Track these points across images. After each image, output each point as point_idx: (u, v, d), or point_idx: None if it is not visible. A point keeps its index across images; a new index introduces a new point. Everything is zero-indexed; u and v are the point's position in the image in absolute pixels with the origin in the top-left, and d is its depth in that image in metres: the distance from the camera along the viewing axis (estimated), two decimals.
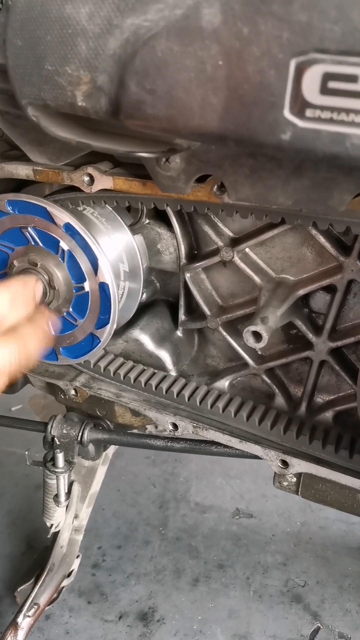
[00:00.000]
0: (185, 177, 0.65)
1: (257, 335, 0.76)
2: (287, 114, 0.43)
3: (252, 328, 0.75)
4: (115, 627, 1.17)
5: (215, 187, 0.68)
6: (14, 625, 1.06)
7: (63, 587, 1.20)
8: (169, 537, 1.38)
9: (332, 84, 0.41)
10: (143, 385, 0.92)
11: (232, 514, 1.43)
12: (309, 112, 0.42)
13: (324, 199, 0.60)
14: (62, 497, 0.98)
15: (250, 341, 0.76)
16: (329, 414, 0.89)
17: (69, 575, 1.19)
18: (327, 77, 0.41)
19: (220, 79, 0.44)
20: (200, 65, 0.45)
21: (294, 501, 1.43)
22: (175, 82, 0.46)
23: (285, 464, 0.84)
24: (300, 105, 0.43)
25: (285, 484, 0.87)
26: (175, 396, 0.90)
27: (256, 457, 0.87)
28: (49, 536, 1.12)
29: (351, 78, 0.40)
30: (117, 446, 1.18)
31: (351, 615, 1.18)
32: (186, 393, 0.89)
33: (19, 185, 0.90)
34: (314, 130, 0.43)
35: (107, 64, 0.49)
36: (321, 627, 1.15)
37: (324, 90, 0.41)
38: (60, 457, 0.93)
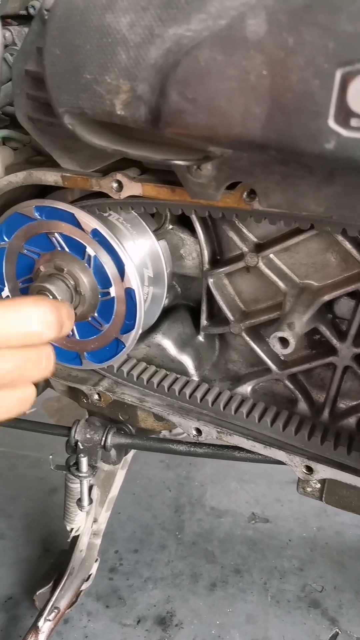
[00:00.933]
0: (216, 184, 0.65)
1: (284, 341, 0.76)
2: (331, 123, 0.43)
3: (279, 334, 0.75)
4: (133, 631, 1.17)
5: (245, 193, 0.68)
6: (34, 629, 1.06)
7: (81, 591, 1.20)
8: (185, 541, 1.38)
9: None
10: (166, 390, 0.92)
11: (248, 518, 1.43)
12: (354, 122, 0.43)
13: (356, 206, 0.60)
14: (86, 502, 0.98)
15: (277, 347, 0.76)
16: (352, 420, 0.89)
17: (87, 579, 1.19)
18: None
19: (264, 88, 0.44)
20: (243, 75, 0.45)
21: (309, 506, 1.43)
22: (218, 92, 0.46)
23: (309, 469, 0.84)
24: (345, 115, 0.43)
25: (309, 489, 0.87)
26: (198, 401, 0.90)
27: (280, 462, 0.87)
28: (69, 540, 1.12)
29: None
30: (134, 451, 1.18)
31: None
32: (210, 398, 0.90)
33: (41, 191, 0.90)
34: (358, 139, 0.43)
35: (147, 73, 0.49)
36: (339, 632, 1.15)
37: None
38: (84, 462, 0.94)
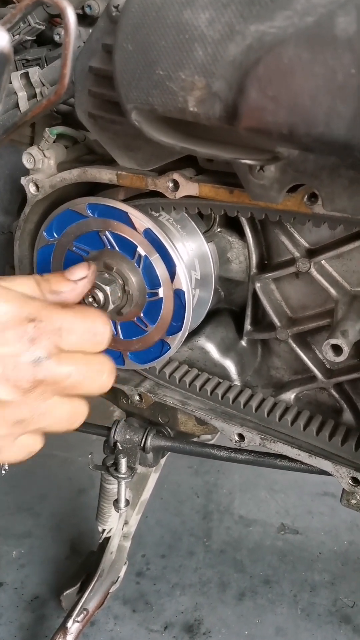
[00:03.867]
0: (279, 186, 0.64)
1: (337, 349, 0.74)
2: None
3: (333, 341, 0.74)
4: (160, 637, 1.16)
5: (306, 197, 0.67)
6: (63, 629, 1.05)
7: (109, 594, 1.19)
8: (213, 549, 1.36)
9: None
10: (209, 394, 0.91)
11: (277, 529, 1.41)
12: None
13: None
14: (122, 503, 0.97)
15: (329, 354, 0.75)
16: None
17: (116, 581, 1.18)
18: None
19: (352, 87, 0.43)
20: (330, 74, 0.44)
21: (340, 519, 1.40)
22: (302, 90, 0.45)
23: (356, 481, 0.82)
24: None
25: (354, 502, 0.85)
26: (242, 407, 0.88)
27: (325, 473, 0.85)
28: (100, 541, 1.12)
29: None
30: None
31: None
32: (253, 404, 0.88)
33: (90, 189, 0.90)
34: None
35: (225, 70, 0.49)
36: None
37: None
38: (123, 463, 0.93)
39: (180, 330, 0.83)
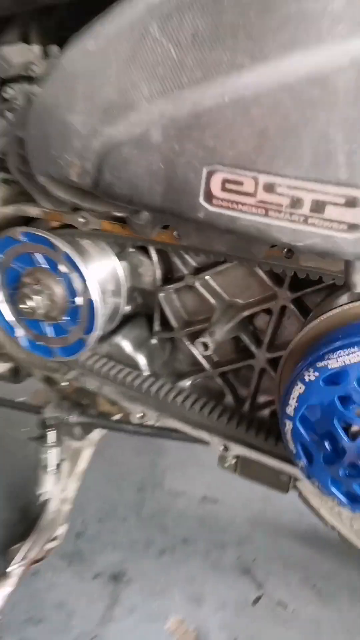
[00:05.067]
0: (152, 226, 0.88)
1: (205, 345, 0.99)
2: (201, 200, 0.66)
3: (201, 339, 0.99)
4: (90, 584, 1.39)
5: (175, 232, 0.91)
6: (4, 574, 1.28)
7: (50, 550, 1.43)
8: (144, 516, 1.60)
9: (228, 185, 0.64)
10: (119, 380, 1.15)
11: (200, 499, 1.65)
12: (214, 201, 0.66)
13: (247, 249, 0.83)
14: (49, 468, 1.20)
15: (199, 349, 0.99)
16: (266, 411, 1.11)
17: (55, 538, 1.41)
18: (225, 180, 0.64)
19: (161, 174, 0.68)
20: (149, 165, 0.68)
21: (254, 492, 1.64)
22: (134, 174, 0.69)
23: (226, 448, 1.06)
24: (209, 196, 0.66)
25: (226, 464, 1.09)
26: (143, 391, 1.13)
27: (205, 442, 1.09)
28: (38, 503, 1.35)
29: (239, 182, 0.63)
30: (104, 435, 1.41)
31: (291, 587, 1.39)
32: (153, 388, 1.12)
33: (29, 219, 1.13)
34: (218, 213, 0.66)
35: (92, 156, 0.73)
36: (264, 594, 1.37)
37: (223, 189, 0.65)
38: (51, 435, 1.16)
39: (94, 330, 1.07)
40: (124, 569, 1.43)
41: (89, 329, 1.07)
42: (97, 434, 1.40)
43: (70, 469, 1.37)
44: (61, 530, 1.42)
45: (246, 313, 1.05)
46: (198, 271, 1.08)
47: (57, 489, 1.34)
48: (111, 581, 1.40)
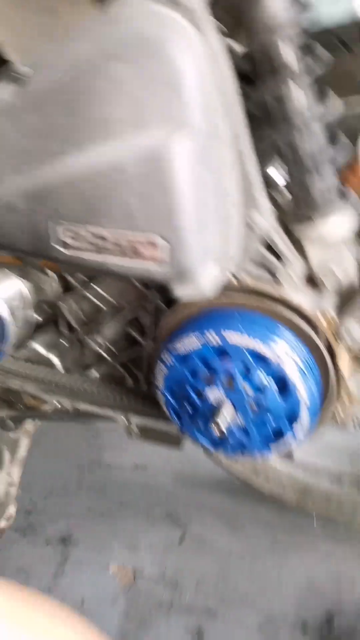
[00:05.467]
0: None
1: (98, 342, 1.25)
2: (54, 244, 0.92)
3: (95, 338, 1.24)
4: (43, 549, 1.65)
5: None
6: None
7: (4, 529, 1.68)
8: (85, 488, 1.87)
9: (69, 234, 0.89)
10: (36, 378, 1.40)
11: (132, 467, 1.93)
12: (65, 250, 0.91)
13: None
14: None
15: (95, 346, 1.25)
16: None
17: (8, 519, 1.66)
18: (67, 230, 0.89)
19: (24, 226, 0.92)
20: (16, 224, 0.92)
21: (179, 457, 1.93)
22: (9, 227, 0.94)
23: (128, 420, 1.33)
24: (60, 243, 0.91)
25: (131, 433, 1.37)
26: (56, 385, 1.38)
27: (113, 418, 1.36)
28: None
29: (78, 234, 0.89)
30: (43, 424, 1.66)
31: (207, 525, 1.69)
32: (63, 380, 1.38)
33: None
34: (69, 254, 0.91)
35: None
36: (186, 534, 1.67)
37: (66, 236, 0.90)
38: None
39: (8, 340, 1.31)
40: (70, 533, 1.70)
41: (5, 339, 1.31)
42: (31, 424, 1.64)
43: (12, 457, 1.61)
44: (12, 509, 1.67)
45: (129, 314, 1.31)
46: (87, 282, 1.33)
47: (2, 475, 1.59)
48: (60, 544, 1.67)
